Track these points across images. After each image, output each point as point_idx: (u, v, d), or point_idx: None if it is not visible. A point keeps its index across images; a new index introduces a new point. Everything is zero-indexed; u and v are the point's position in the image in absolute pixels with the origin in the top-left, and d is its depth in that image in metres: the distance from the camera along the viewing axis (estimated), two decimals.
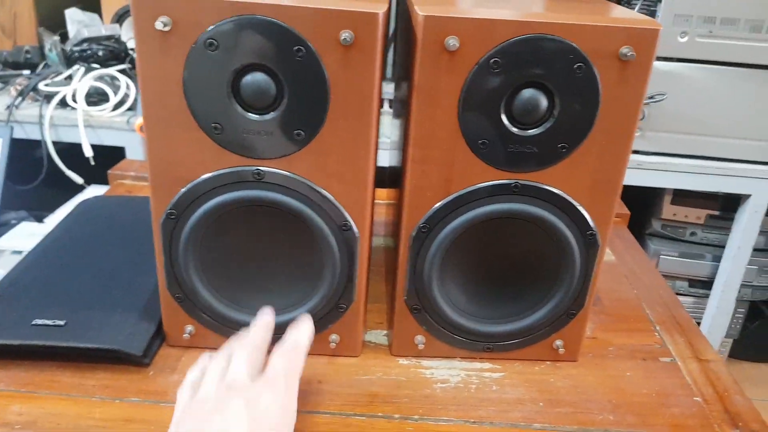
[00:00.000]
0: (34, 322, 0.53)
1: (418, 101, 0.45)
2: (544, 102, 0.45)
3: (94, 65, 1.25)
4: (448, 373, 0.55)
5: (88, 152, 1.18)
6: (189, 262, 0.51)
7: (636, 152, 1.19)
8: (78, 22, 1.34)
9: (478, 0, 0.49)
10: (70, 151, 1.24)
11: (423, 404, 0.51)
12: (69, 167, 1.24)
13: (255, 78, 0.44)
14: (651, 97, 1.11)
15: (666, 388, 0.55)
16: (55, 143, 1.22)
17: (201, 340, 0.55)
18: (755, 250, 1.33)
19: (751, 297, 1.47)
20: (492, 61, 0.43)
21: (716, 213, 1.37)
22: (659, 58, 1.12)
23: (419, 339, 0.56)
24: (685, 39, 1.09)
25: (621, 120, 0.46)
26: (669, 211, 1.37)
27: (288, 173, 0.47)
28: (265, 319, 0.47)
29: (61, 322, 0.54)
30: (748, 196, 1.24)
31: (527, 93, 0.45)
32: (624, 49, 0.43)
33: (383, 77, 0.61)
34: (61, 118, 1.20)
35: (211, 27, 0.42)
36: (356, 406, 0.51)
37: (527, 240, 0.52)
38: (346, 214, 0.49)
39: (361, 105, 0.45)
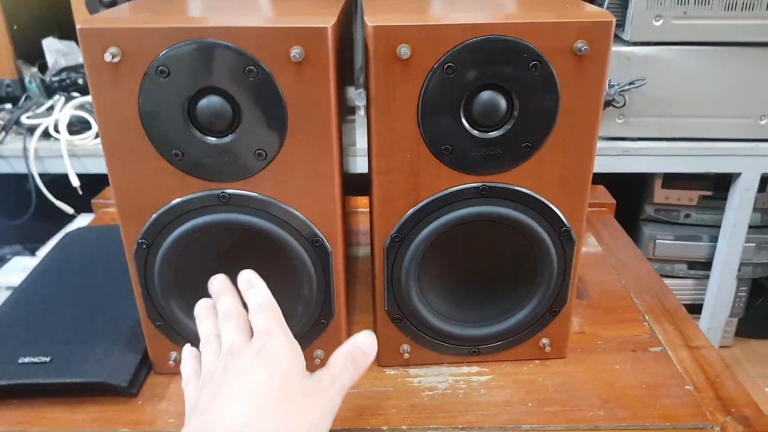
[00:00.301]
0: (20, 361, 0.53)
1: (376, 112, 0.45)
2: (503, 103, 0.45)
3: (75, 93, 1.25)
4: (436, 379, 0.55)
5: (75, 182, 1.18)
6: (165, 290, 0.50)
7: (621, 139, 1.18)
8: (56, 51, 1.34)
9: (431, 6, 0.48)
10: (59, 182, 1.24)
11: (411, 414, 0.51)
12: (58, 197, 1.24)
13: (210, 102, 0.44)
14: (631, 83, 1.11)
15: (656, 378, 0.55)
16: (42, 175, 1.22)
17: None
18: (751, 227, 1.32)
19: (752, 275, 1.46)
20: (446, 66, 0.43)
21: (709, 193, 1.36)
22: (636, 44, 1.12)
23: (404, 348, 0.55)
24: (660, 22, 1.08)
25: (583, 114, 0.46)
26: (661, 195, 1.36)
27: (254, 194, 0.47)
28: (223, 286, 0.47)
29: (47, 359, 0.54)
30: (738, 175, 1.23)
31: (485, 95, 0.45)
32: (578, 44, 0.43)
33: (356, 86, 0.61)
34: (46, 150, 1.20)
35: (161, 54, 0.42)
36: (344, 421, 0.50)
37: (503, 241, 0.52)
38: (317, 230, 0.49)
39: (319, 120, 0.44)
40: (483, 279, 0.54)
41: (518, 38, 0.42)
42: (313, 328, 0.53)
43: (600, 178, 0.96)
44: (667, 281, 1.44)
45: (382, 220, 0.50)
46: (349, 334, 0.57)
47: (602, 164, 1.17)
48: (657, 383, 0.54)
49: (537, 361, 0.57)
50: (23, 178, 1.22)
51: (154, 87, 0.43)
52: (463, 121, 0.46)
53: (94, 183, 1.16)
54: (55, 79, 1.28)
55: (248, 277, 0.47)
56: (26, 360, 0.53)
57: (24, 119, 1.22)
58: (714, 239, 1.37)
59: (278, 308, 0.45)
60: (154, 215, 0.48)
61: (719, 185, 1.35)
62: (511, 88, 0.44)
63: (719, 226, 1.34)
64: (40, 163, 1.21)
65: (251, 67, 0.42)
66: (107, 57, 0.41)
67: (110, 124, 0.44)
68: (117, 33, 0.41)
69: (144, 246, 0.49)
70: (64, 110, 1.20)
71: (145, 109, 0.44)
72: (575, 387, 0.54)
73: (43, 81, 1.29)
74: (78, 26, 0.42)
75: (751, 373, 1.53)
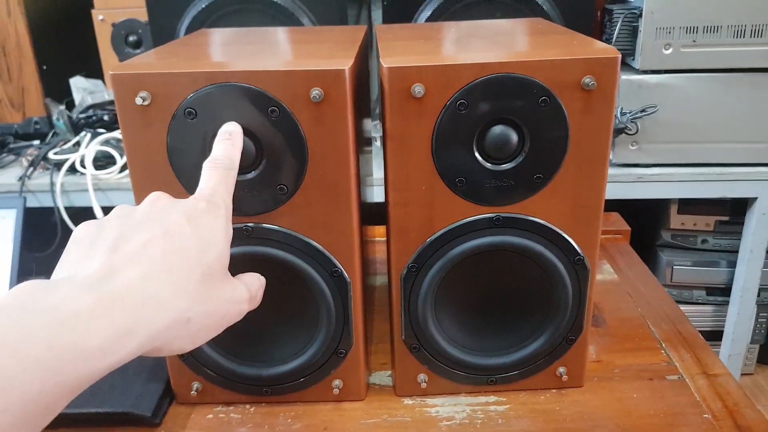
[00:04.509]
0: None
1: (391, 148, 0.47)
2: (514, 137, 0.46)
3: (100, 130, 1.30)
4: (453, 409, 0.55)
5: (99, 215, 1.21)
6: None
7: (635, 165, 1.19)
8: (83, 89, 1.40)
9: (443, 46, 0.50)
10: (83, 215, 1.27)
11: None
12: None
13: None
14: (643, 110, 1.12)
15: (674, 407, 0.55)
16: (67, 209, 1.25)
17: (209, 396, 0.56)
18: None
19: None
20: (458, 103, 0.45)
21: (725, 218, 1.36)
22: (647, 72, 1.14)
23: (422, 377, 0.56)
24: (670, 51, 1.10)
25: (593, 146, 0.47)
26: (677, 220, 1.36)
27: (275, 227, 0.49)
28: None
29: None
30: (754, 199, 1.23)
31: (497, 130, 0.46)
32: (586, 79, 0.44)
33: (372, 118, 0.63)
34: (72, 184, 1.24)
35: (189, 97, 0.44)
36: None
37: (517, 270, 0.53)
38: (336, 261, 0.50)
39: (338, 155, 0.46)
40: (499, 308, 0.55)
41: (527, 75, 0.44)
42: (332, 358, 0.54)
43: (615, 205, 0.97)
44: (685, 308, 1.44)
45: (399, 250, 0.51)
46: (368, 364, 0.59)
47: (617, 191, 1.18)
48: (675, 412, 0.54)
49: (554, 390, 0.57)
50: (49, 212, 1.26)
51: (182, 127, 0.45)
52: (476, 154, 0.47)
53: None
54: (81, 116, 1.33)
55: (230, 129, 0.44)
56: None
57: (51, 155, 1.26)
58: (732, 264, 1.36)
59: (234, 177, 0.42)
60: None
61: (736, 210, 1.35)
62: (522, 122, 0.46)
63: (737, 251, 1.33)
64: (66, 196, 1.25)
65: (273, 108, 0.44)
66: (138, 101, 0.44)
67: (140, 163, 0.47)
68: (147, 78, 0.44)
69: None
70: (90, 146, 1.24)
71: (173, 148, 0.46)
72: (593, 416, 0.54)
73: (70, 118, 1.34)
74: (111, 72, 0.44)
75: None
